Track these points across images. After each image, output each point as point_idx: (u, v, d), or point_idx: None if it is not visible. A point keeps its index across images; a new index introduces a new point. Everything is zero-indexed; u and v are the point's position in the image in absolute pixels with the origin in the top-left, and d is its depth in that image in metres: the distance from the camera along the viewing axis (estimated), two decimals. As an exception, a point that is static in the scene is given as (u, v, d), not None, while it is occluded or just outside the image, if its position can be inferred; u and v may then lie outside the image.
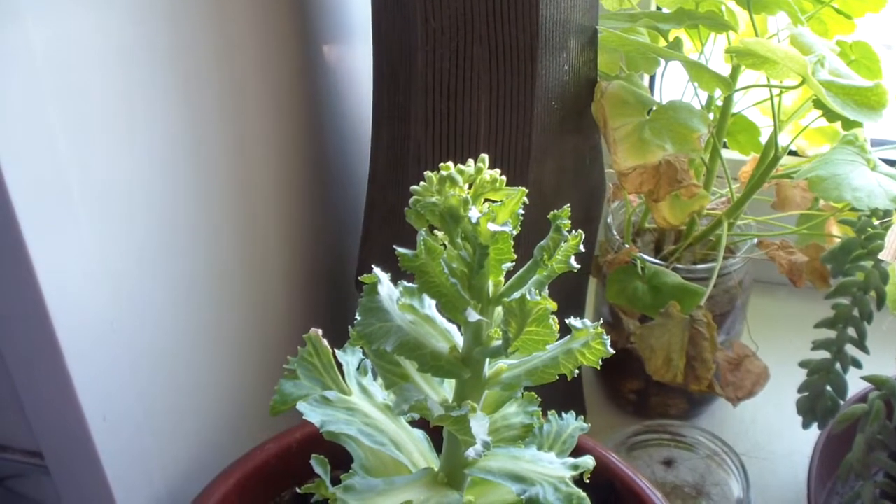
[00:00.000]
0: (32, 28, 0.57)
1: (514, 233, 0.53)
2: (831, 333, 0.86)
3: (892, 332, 0.89)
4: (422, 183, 0.54)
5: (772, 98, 0.91)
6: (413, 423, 0.65)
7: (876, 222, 0.85)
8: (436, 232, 0.55)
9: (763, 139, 1.02)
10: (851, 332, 0.85)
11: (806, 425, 0.91)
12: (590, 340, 0.56)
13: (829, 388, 0.88)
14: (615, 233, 1.00)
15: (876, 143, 0.90)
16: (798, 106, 0.97)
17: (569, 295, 0.94)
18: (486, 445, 0.53)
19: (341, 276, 1.02)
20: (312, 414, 0.61)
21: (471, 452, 0.53)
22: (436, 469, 0.62)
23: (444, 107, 0.79)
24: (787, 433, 1.06)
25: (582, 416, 0.67)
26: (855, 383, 0.87)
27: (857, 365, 0.87)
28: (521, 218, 0.55)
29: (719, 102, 0.99)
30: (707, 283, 0.94)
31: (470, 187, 0.54)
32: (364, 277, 0.56)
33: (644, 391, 1.05)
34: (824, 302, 0.87)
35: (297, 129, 0.88)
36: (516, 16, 0.76)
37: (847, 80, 0.82)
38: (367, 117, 0.88)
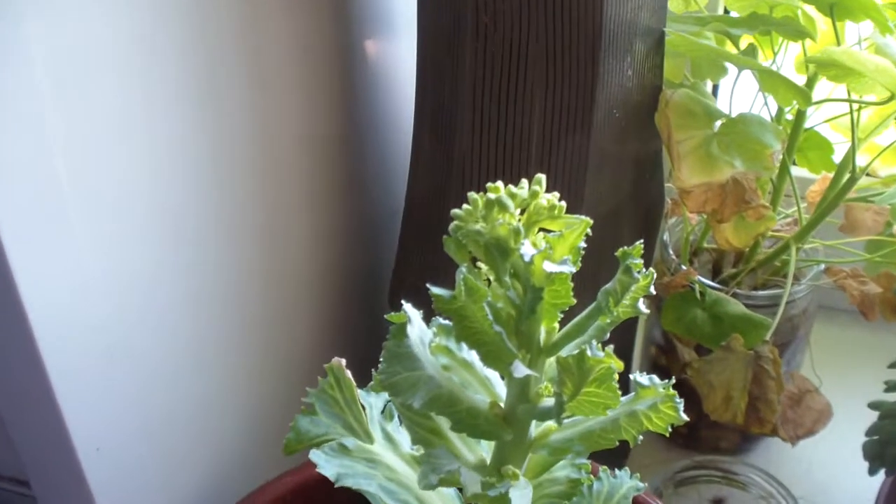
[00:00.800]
0: (31, 24, 0.46)
1: (574, 271, 0.41)
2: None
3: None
4: (465, 205, 0.43)
5: (851, 113, 0.79)
6: (444, 476, 0.53)
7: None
8: (479, 264, 0.44)
9: (835, 157, 0.89)
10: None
11: (872, 471, 0.79)
12: (658, 403, 0.44)
13: (902, 434, 0.75)
14: (671, 252, 0.88)
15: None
16: (877, 123, 0.84)
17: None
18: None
19: (374, 292, 0.89)
20: (327, 466, 0.50)
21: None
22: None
23: (493, 111, 0.67)
24: (847, 476, 0.93)
25: (626, 464, 0.55)
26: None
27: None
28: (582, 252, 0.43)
29: (788, 116, 0.86)
30: (768, 312, 0.82)
31: (522, 213, 0.43)
32: (391, 316, 0.45)
33: (695, 423, 0.92)
34: (892, 328, 0.74)
35: (331, 131, 0.76)
36: (577, 13, 0.64)
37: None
38: (408, 120, 0.76)
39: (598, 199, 0.72)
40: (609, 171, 0.71)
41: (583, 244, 0.42)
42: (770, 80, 0.76)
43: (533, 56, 0.65)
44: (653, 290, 0.44)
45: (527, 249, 0.39)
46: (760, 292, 0.85)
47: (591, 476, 0.52)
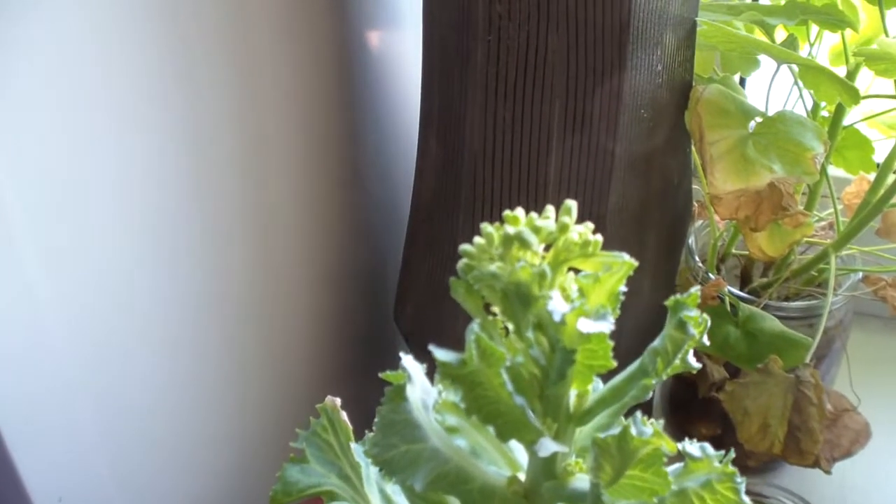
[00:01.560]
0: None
1: (614, 327, 0.31)
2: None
3: None
4: (476, 239, 0.33)
5: (899, 110, 0.69)
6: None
7: None
8: (494, 310, 0.34)
9: (875, 157, 0.79)
10: None
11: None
12: (714, 481, 0.34)
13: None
14: (697, 259, 0.77)
15: None
16: (923, 121, 0.74)
17: (645, 332, 0.72)
18: None
19: (378, 314, 0.79)
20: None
21: None
22: None
23: (507, 112, 0.57)
24: (885, 500, 0.83)
25: None
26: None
27: None
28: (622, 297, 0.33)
29: (824, 113, 0.76)
30: (802, 324, 0.72)
31: (547, 248, 0.33)
32: (386, 376, 0.35)
33: (720, 438, 0.82)
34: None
35: (327, 135, 0.66)
36: (603, 1, 0.54)
37: None
38: (413, 122, 0.65)
39: (622, 208, 0.62)
40: (635, 177, 0.61)
41: (623, 288, 0.33)
42: (812, 75, 0.66)
43: (552, 50, 0.55)
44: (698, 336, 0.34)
45: (556, 305, 0.29)
46: (793, 303, 0.75)
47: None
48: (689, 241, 0.79)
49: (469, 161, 0.59)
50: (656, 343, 0.32)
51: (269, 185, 0.60)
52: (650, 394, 0.34)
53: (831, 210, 0.74)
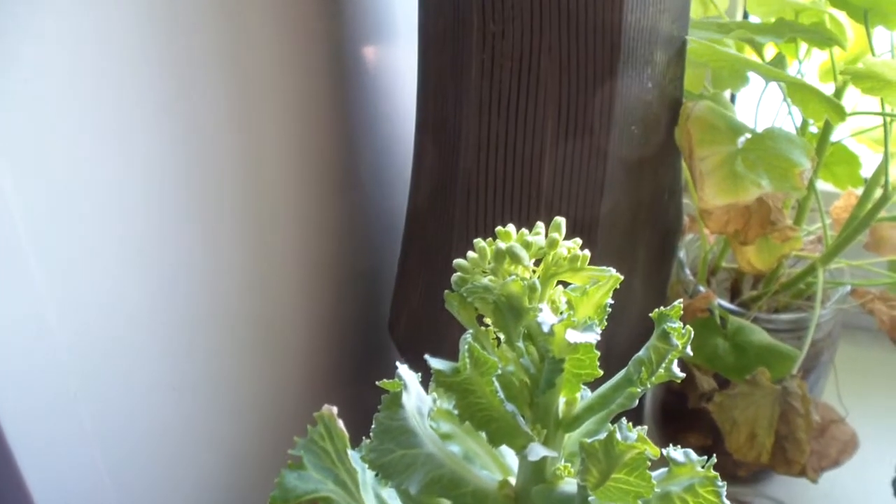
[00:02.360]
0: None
1: (600, 339, 0.33)
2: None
3: None
4: (470, 253, 0.34)
5: (885, 126, 0.70)
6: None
7: None
8: (486, 321, 0.35)
9: (863, 172, 0.81)
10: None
11: (903, 507, 0.71)
12: (697, 484, 0.36)
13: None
14: (688, 272, 0.79)
15: None
16: (909, 137, 0.76)
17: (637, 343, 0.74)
18: None
19: (373, 322, 0.80)
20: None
21: None
22: None
23: (501, 128, 0.59)
24: (872, 509, 0.85)
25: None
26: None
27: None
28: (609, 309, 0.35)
29: (813, 129, 0.78)
30: (790, 336, 0.74)
31: (537, 263, 0.35)
32: (383, 384, 0.37)
33: (710, 448, 0.84)
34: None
35: (324, 147, 0.68)
36: (595, 20, 0.56)
37: None
38: (409, 136, 0.67)
39: (613, 222, 0.64)
40: (626, 192, 0.63)
41: (609, 300, 0.34)
42: (799, 93, 0.67)
43: (545, 69, 0.57)
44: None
45: (546, 317, 0.31)
46: (782, 316, 0.76)
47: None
48: (681, 254, 0.81)
49: (463, 173, 0.61)
50: (641, 353, 0.34)
51: (267, 195, 0.62)
52: (636, 401, 0.36)
53: (820, 224, 0.76)
